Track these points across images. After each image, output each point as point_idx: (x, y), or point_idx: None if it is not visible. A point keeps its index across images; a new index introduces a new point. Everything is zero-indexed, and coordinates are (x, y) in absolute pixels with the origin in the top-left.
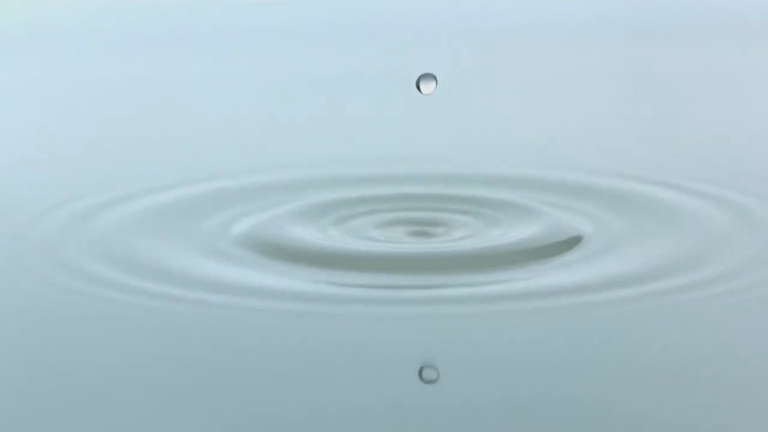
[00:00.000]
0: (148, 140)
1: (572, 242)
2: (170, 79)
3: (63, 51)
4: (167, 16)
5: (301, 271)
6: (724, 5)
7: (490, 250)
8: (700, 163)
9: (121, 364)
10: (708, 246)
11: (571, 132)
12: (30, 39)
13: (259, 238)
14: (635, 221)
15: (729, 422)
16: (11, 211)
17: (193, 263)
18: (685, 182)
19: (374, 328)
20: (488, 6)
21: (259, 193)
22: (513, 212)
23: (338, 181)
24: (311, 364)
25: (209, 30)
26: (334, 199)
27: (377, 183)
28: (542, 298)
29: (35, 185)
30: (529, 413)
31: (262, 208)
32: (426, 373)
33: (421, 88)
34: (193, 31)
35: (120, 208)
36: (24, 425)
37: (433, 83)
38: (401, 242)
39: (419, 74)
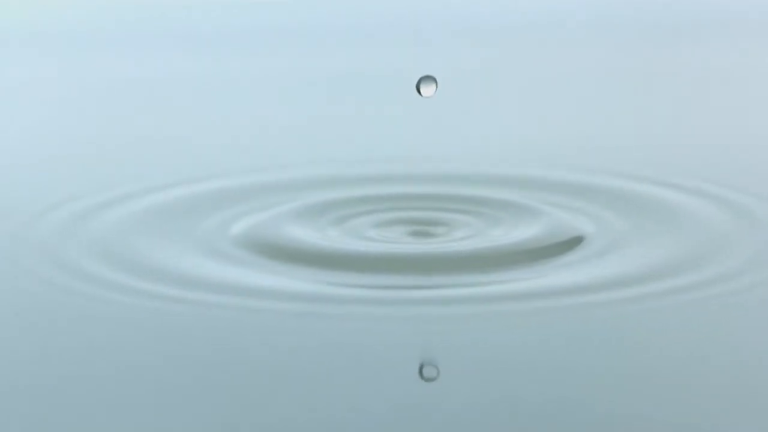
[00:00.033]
0: (148, 140)
1: (573, 242)
2: (170, 79)
3: (63, 51)
4: (167, 16)
5: (302, 272)
6: (724, 5)
7: (490, 250)
8: (701, 162)
9: (120, 365)
10: (708, 246)
11: (571, 132)
12: (30, 39)
13: (258, 238)
14: (636, 221)
15: (730, 422)
16: (11, 211)
17: (192, 263)
18: (685, 182)
19: (374, 329)
20: (488, 6)
21: (259, 193)
22: (514, 212)
23: (338, 180)
24: (311, 365)
25: (209, 30)
26: (333, 199)
27: (377, 183)
28: (543, 299)
29: (35, 185)
30: (530, 414)
31: (262, 208)
32: (426, 372)
33: (421, 90)
34: (193, 31)
35: (119, 208)
36: (24, 425)
37: (434, 86)
38: (402, 242)
39: (419, 77)
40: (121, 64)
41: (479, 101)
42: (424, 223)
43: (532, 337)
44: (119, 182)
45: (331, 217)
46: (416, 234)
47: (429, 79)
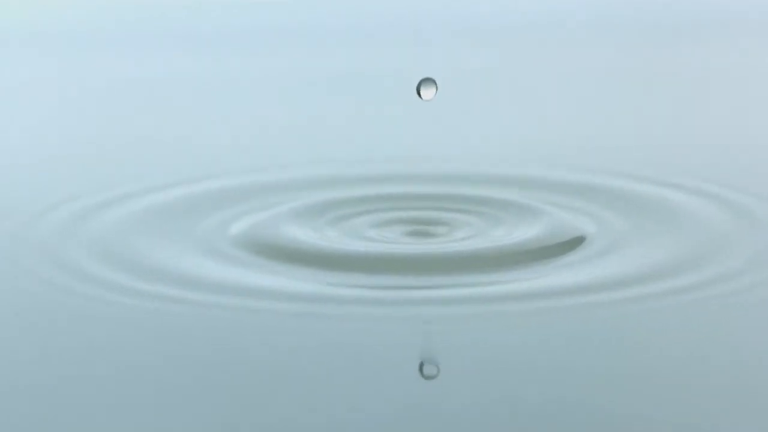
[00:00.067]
0: (148, 140)
1: (574, 242)
2: (170, 79)
3: (63, 51)
4: (167, 16)
5: (302, 272)
6: (724, 5)
7: (492, 250)
8: (701, 162)
9: (120, 365)
10: (709, 246)
11: (571, 132)
12: (30, 39)
13: (258, 238)
14: (636, 221)
15: (730, 422)
16: (11, 211)
17: (191, 263)
18: (685, 182)
19: (375, 329)
20: (488, 6)
21: (259, 192)
22: (514, 212)
23: (338, 180)
24: (311, 365)
25: (209, 30)
26: (333, 199)
27: (377, 183)
28: (544, 299)
29: (35, 185)
30: (530, 414)
31: (261, 208)
32: (426, 370)
33: (421, 93)
34: (193, 31)
35: (119, 208)
36: (24, 425)
37: (434, 89)
38: (403, 242)
39: (419, 79)
40: (121, 64)
41: (479, 101)
42: (424, 223)
43: (532, 338)
44: (119, 182)
45: (331, 217)
46: (416, 234)
47: (429, 82)
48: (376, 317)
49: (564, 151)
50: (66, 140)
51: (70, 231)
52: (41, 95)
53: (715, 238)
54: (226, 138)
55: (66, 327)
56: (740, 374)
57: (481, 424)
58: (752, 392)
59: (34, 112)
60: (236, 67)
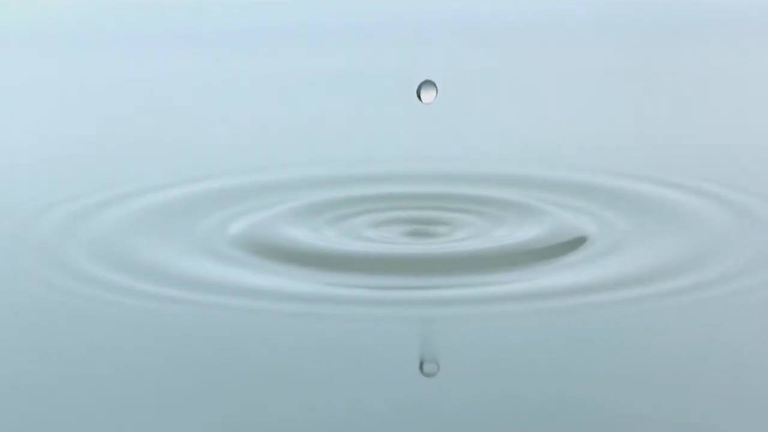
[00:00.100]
0: (148, 140)
1: (575, 243)
2: (170, 79)
3: (63, 51)
4: (167, 16)
5: (302, 272)
6: (724, 5)
7: (493, 250)
8: (702, 162)
9: (118, 365)
10: (710, 246)
11: (571, 132)
12: (30, 39)
13: (258, 238)
14: (637, 221)
15: (730, 423)
16: (11, 211)
17: (190, 264)
18: (686, 182)
19: (374, 330)
20: (488, 6)
21: (258, 192)
22: (515, 212)
23: (338, 180)
24: (310, 365)
25: (209, 30)
26: (333, 199)
27: (377, 182)
28: (545, 300)
29: (35, 185)
30: (531, 414)
31: (261, 208)
32: (426, 368)
33: (421, 96)
34: (193, 31)
35: (119, 208)
36: (24, 425)
37: (434, 92)
38: (404, 243)
39: (419, 82)
40: (121, 64)
41: (479, 101)
42: (424, 223)
43: (533, 338)
44: (118, 182)
45: (331, 217)
46: (416, 234)
47: (429, 84)
48: (375, 317)
49: (564, 151)
50: (66, 140)
51: (69, 231)
52: (41, 95)
53: (716, 238)
54: (226, 138)
55: (65, 327)
56: (741, 375)
57: (482, 425)
58: (753, 393)
59: (34, 112)
60: (236, 67)
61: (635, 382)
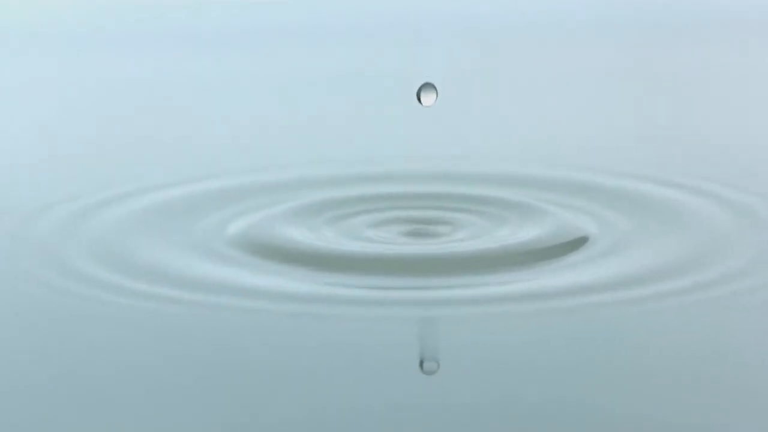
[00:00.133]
0: (148, 140)
1: (577, 243)
2: (170, 79)
3: (63, 51)
4: (167, 16)
5: (303, 273)
6: (724, 5)
7: (493, 251)
8: (703, 162)
9: (118, 365)
10: (711, 246)
11: (572, 131)
12: (30, 39)
13: (259, 238)
14: (639, 221)
15: (733, 423)
16: (10, 211)
17: (189, 264)
18: (686, 181)
19: (377, 330)
20: (488, 6)
21: (258, 192)
22: (515, 212)
23: (338, 180)
24: (309, 365)
25: (209, 30)
26: (333, 199)
27: (378, 182)
28: (546, 300)
29: (34, 185)
30: (532, 415)
31: (261, 208)
32: (426, 366)
33: (421, 99)
34: (193, 31)
35: (118, 208)
36: (24, 425)
37: (434, 95)
38: (404, 243)
39: (420, 85)
40: (121, 64)
41: (479, 101)
42: (425, 223)
43: (534, 338)
44: (118, 182)
45: (331, 217)
46: (417, 234)
47: (429, 87)
48: (376, 318)
49: (564, 151)
50: (66, 140)
51: (69, 230)
52: (41, 95)
53: (716, 238)
54: (226, 138)
55: (64, 327)
56: (742, 375)
57: (482, 425)
58: (754, 393)
59: (34, 112)
60: (236, 67)
61: (636, 383)
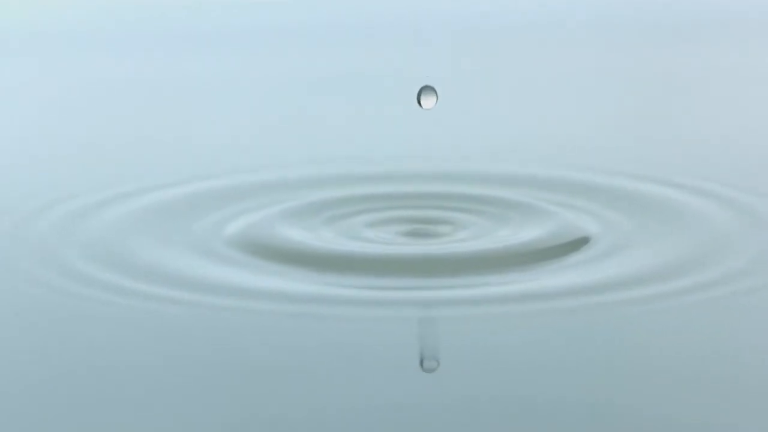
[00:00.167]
0: (148, 140)
1: (578, 243)
2: (170, 79)
3: (63, 51)
4: (167, 16)
5: (303, 273)
6: (724, 5)
7: (494, 251)
8: (703, 162)
9: (118, 365)
10: (712, 246)
11: (572, 131)
12: (30, 39)
13: (260, 238)
14: (639, 221)
15: (733, 423)
16: (9, 211)
17: (187, 264)
18: (687, 181)
19: (377, 330)
20: (488, 6)
21: (258, 192)
22: (516, 212)
23: (338, 180)
24: (309, 366)
25: (209, 30)
26: (332, 199)
27: (378, 182)
28: (546, 300)
29: (33, 185)
30: (532, 415)
31: (261, 207)
32: (427, 364)
33: (421, 102)
34: (193, 31)
35: (118, 208)
36: (23, 425)
37: (434, 98)
38: (405, 243)
39: (420, 88)
40: (121, 64)
41: (479, 101)
42: (425, 222)
43: (534, 339)
44: (117, 182)
45: (329, 217)
46: (418, 234)
47: (429, 90)
48: (376, 318)
49: (564, 151)
50: (65, 140)
51: (68, 230)
52: (41, 95)
53: (717, 238)
54: (225, 138)
55: (64, 327)
56: (743, 375)
57: (482, 426)
58: (754, 393)
59: (34, 112)
60: (236, 67)
61: (637, 383)
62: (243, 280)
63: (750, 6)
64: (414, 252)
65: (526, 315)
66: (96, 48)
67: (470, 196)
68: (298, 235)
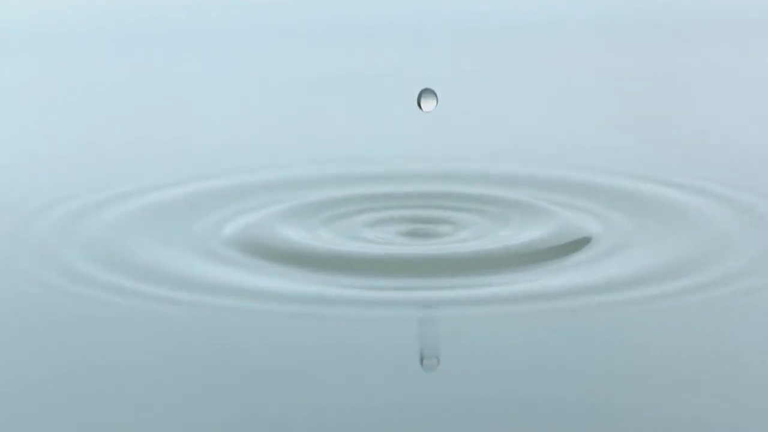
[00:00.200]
0: (148, 140)
1: (579, 243)
2: (170, 79)
3: (63, 51)
4: (167, 16)
5: (303, 273)
6: (724, 5)
7: (494, 251)
8: (704, 161)
9: (119, 365)
10: (713, 246)
11: (572, 131)
12: (30, 39)
13: (260, 238)
14: (640, 221)
15: (734, 423)
16: (9, 211)
17: (187, 264)
18: (687, 181)
19: (377, 330)
20: (488, 6)
21: (258, 192)
22: (517, 212)
23: (338, 180)
24: (308, 366)
25: (209, 30)
26: (332, 199)
27: (378, 182)
28: (548, 300)
29: (33, 185)
30: (533, 415)
31: (262, 207)
32: (426, 362)
33: (421, 105)
34: (193, 31)
35: (117, 208)
36: (23, 425)
37: (434, 100)
38: (406, 243)
39: (420, 90)
40: (121, 64)
41: (479, 101)
42: (426, 222)
43: (535, 339)
44: (117, 182)
45: (328, 218)
46: (418, 234)
47: (429, 93)
48: (376, 318)
49: (564, 151)
50: (65, 140)
51: (68, 230)
52: (41, 95)
53: (717, 238)
54: (225, 138)
55: (64, 327)
56: (743, 375)
57: (483, 426)
58: (754, 393)
59: (34, 112)
60: (236, 67)
61: (637, 382)
62: (243, 280)
63: (750, 6)
64: (414, 252)
65: (526, 315)
66: (96, 48)
67: (470, 196)
68: (297, 235)
